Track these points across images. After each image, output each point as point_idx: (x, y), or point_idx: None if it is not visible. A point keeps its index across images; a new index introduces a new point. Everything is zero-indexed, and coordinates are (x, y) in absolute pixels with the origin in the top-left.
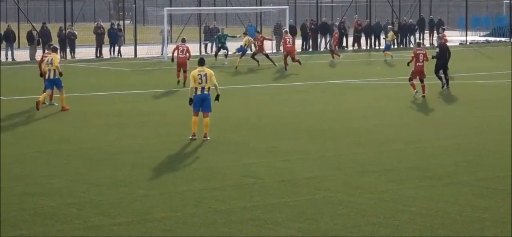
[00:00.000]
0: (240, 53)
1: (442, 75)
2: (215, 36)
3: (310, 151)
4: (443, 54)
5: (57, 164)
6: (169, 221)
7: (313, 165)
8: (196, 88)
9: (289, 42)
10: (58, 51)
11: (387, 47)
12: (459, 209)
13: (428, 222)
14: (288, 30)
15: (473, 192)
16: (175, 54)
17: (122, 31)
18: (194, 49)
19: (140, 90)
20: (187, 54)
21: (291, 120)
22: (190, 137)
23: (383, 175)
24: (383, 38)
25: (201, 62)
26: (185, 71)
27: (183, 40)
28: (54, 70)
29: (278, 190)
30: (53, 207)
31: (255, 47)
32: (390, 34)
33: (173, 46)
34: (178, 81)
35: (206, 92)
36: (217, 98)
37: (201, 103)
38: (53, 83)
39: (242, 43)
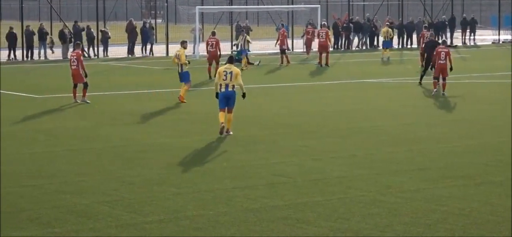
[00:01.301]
0: (244, 55)
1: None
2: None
3: (341, 150)
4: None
5: (89, 162)
6: (201, 220)
7: (344, 164)
8: (220, 84)
9: (321, 36)
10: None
11: (387, 44)
12: (491, 209)
13: (461, 222)
14: (325, 24)
15: (506, 192)
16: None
17: (154, 29)
18: (225, 48)
19: (171, 89)
20: (217, 47)
21: (321, 118)
22: (220, 128)
23: (414, 174)
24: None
25: (230, 60)
26: (217, 63)
27: (213, 33)
28: (181, 64)
29: (309, 189)
30: (86, 205)
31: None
32: (385, 29)
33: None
34: (210, 77)
35: (230, 89)
36: (243, 96)
37: (226, 100)
38: (181, 76)
39: (238, 43)
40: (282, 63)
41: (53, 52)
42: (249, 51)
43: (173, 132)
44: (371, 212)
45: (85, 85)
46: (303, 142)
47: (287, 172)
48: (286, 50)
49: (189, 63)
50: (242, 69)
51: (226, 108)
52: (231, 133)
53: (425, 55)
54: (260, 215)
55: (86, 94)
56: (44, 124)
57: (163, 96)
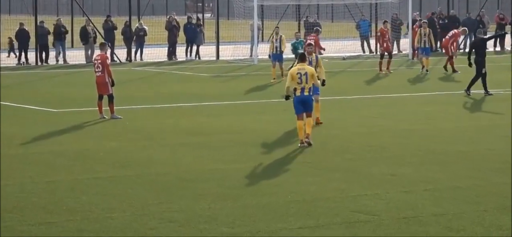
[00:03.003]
0: (275, 61)
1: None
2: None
3: (439, 179)
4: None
5: (119, 194)
6: None
7: (443, 198)
8: (295, 89)
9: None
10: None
11: (426, 51)
12: None
13: None
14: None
15: None
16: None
17: (202, 26)
18: (288, 49)
19: (223, 101)
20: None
21: (414, 139)
22: (299, 145)
23: None
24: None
25: (302, 58)
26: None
27: (316, 31)
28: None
29: (398, 229)
30: None
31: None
32: (421, 30)
33: (266, 45)
34: (273, 79)
35: (306, 93)
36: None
37: (302, 105)
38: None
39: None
40: (381, 70)
41: (8, 56)
42: (280, 55)
43: (225, 155)
44: None
45: (110, 98)
46: (389, 169)
47: (370, 208)
48: (391, 54)
49: None
50: (273, 79)
51: (304, 114)
52: (311, 142)
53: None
54: None
55: (114, 108)
56: (63, 145)
57: (213, 110)
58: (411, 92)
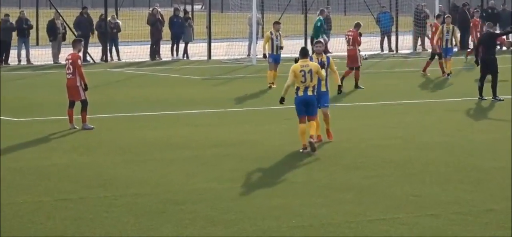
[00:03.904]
0: (272, 63)
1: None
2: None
3: (470, 201)
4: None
5: (92, 219)
6: None
7: (475, 223)
8: (298, 88)
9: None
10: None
11: (448, 51)
12: None
13: None
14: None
15: None
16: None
17: (190, 20)
18: (294, 47)
19: (216, 108)
20: (355, 45)
21: (441, 153)
22: (301, 150)
23: None
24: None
25: (304, 53)
26: (357, 69)
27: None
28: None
29: None
30: None
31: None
32: (445, 26)
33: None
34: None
35: (310, 93)
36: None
37: (305, 107)
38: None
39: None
40: (425, 72)
41: None
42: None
43: (218, 173)
44: None
45: (84, 105)
46: (412, 188)
47: (390, 235)
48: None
49: None
50: (271, 85)
51: (307, 117)
52: (315, 144)
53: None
54: None
55: (87, 117)
56: (26, 161)
57: (204, 119)
58: (434, 98)
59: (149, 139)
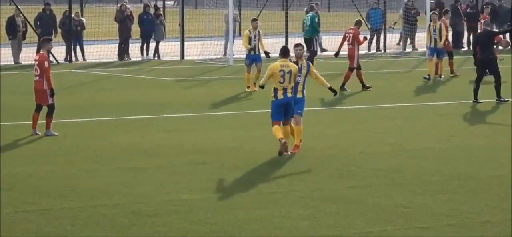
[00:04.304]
0: (251, 64)
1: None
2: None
3: (465, 212)
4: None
5: (55, 232)
6: None
7: (470, 236)
8: (276, 90)
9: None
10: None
11: (439, 52)
12: None
13: None
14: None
15: None
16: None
17: (162, 17)
18: (274, 47)
19: (190, 113)
20: (355, 44)
21: (433, 161)
22: (281, 146)
23: None
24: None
25: (284, 52)
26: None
27: (254, 20)
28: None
29: None
30: None
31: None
32: (432, 24)
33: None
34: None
35: (289, 94)
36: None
37: (284, 110)
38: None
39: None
40: (439, 74)
41: None
42: (258, 56)
43: (190, 182)
44: None
45: (50, 110)
46: (401, 199)
47: None
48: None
49: None
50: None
51: (282, 121)
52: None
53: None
54: None
55: (52, 122)
56: None
57: (177, 124)
58: (426, 101)
59: (118, 146)
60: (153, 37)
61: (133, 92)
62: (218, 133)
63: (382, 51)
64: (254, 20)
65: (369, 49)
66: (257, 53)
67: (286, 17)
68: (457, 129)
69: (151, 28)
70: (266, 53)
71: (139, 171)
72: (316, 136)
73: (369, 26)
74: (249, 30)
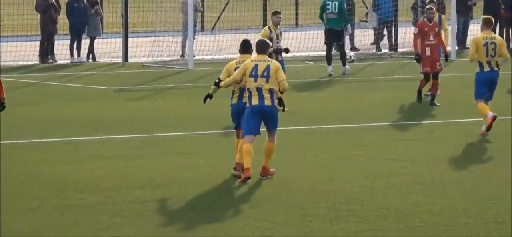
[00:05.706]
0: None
1: None
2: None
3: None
4: None
5: None
6: None
7: None
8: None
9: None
10: None
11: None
12: None
13: None
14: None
15: None
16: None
17: (99, 7)
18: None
19: (134, 133)
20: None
21: (460, 197)
22: (236, 168)
23: None
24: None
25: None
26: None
27: (276, 14)
28: None
29: None
30: None
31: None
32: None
33: (208, 38)
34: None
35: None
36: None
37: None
38: None
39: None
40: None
41: None
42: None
43: (134, 224)
44: None
45: None
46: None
47: None
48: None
49: None
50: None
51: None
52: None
53: None
54: None
55: None
56: None
57: (117, 149)
58: (449, 118)
59: (38, 177)
60: (86, 32)
61: (59, 106)
62: (169, 160)
63: (394, 50)
64: (276, 13)
65: (377, 48)
66: (280, 58)
67: (264, 5)
68: (491, 153)
69: (84, 21)
70: (285, 50)
71: (68, 210)
72: (306, 164)
73: (378, 17)
74: (269, 28)
